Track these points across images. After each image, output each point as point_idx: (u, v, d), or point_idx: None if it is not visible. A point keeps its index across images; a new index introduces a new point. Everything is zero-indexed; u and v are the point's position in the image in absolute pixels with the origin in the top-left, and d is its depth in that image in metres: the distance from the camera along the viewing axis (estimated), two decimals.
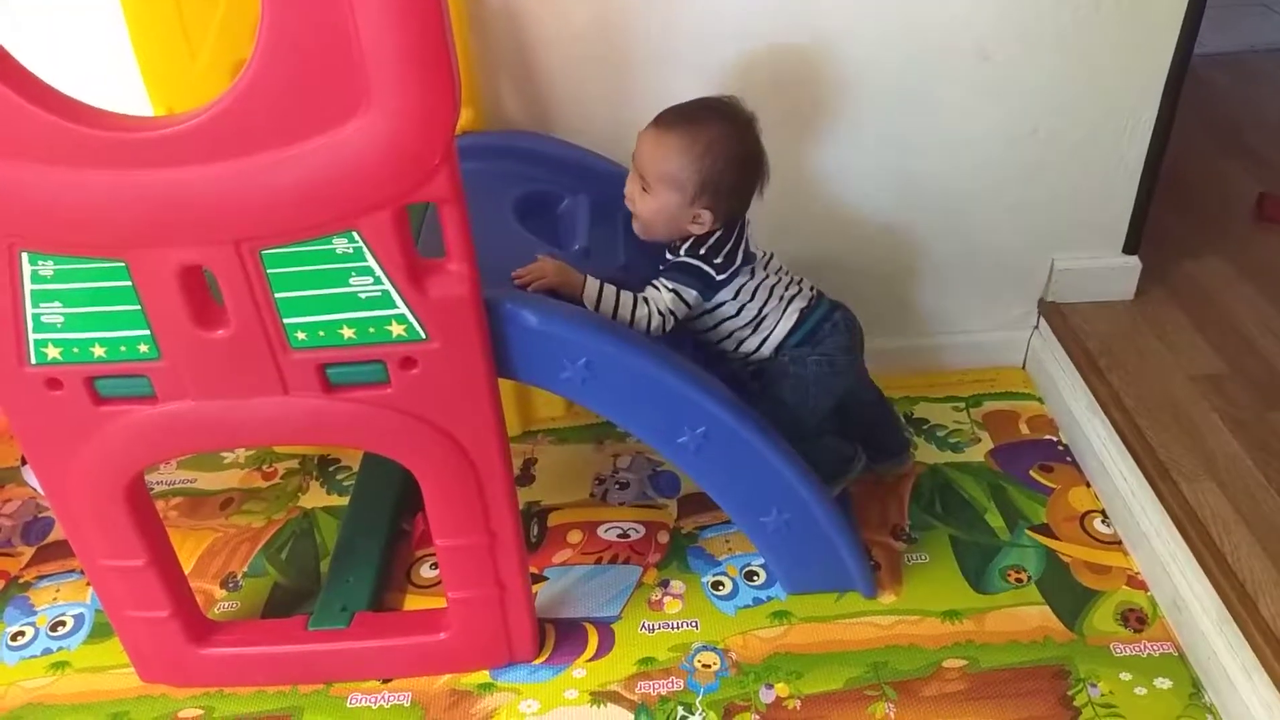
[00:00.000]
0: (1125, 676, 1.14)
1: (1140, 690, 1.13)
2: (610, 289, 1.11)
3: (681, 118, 1.13)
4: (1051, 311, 1.56)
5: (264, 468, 1.49)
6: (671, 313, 1.14)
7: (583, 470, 1.48)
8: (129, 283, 0.87)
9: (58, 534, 1.41)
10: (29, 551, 1.39)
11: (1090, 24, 1.34)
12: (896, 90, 1.37)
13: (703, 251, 1.16)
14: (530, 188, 1.26)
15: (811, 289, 1.26)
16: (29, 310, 0.89)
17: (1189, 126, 1.55)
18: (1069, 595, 1.24)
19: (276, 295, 0.88)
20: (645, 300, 1.13)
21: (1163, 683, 1.13)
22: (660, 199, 1.13)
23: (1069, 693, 1.13)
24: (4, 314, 0.89)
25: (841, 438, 1.32)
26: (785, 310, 1.22)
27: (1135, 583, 1.26)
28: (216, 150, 0.80)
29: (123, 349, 0.91)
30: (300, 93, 0.78)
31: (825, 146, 1.42)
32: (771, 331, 1.22)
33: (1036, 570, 1.27)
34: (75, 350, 0.91)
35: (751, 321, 1.21)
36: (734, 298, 1.20)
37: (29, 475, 1.44)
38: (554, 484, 1.46)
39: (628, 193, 1.17)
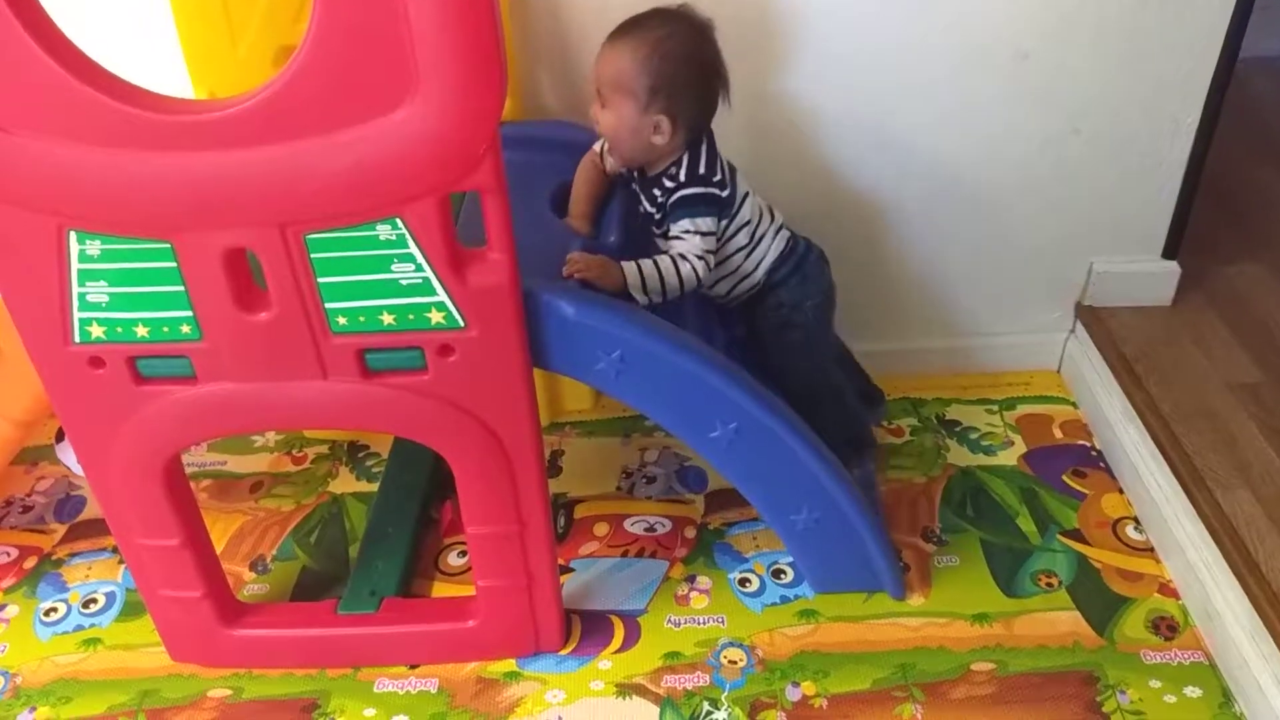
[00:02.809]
0: (1155, 684, 1.13)
1: (1170, 698, 1.12)
2: (647, 264, 1.11)
3: (629, 24, 1.11)
4: (1088, 315, 1.54)
5: (294, 452, 1.50)
6: (708, 251, 1.13)
7: (610, 463, 1.48)
8: (174, 264, 0.88)
9: (90, 512, 1.43)
10: (61, 529, 1.41)
11: (1134, 23, 1.32)
12: (934, 88, 1.36)
13: (700, 172, 1.14)
14: (567, 178, 1.26)
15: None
16: (75, 289, 0.90)
17: (1232, 131, 1.53)
18: (1100, 601, 1.23)
19: (319, 280, 0.89)
20: (680, 257, 1.12)
21: (1192, 691, 1.12)
22: (617, 110, 1.11)
23: (1098, 699, 1.12)
24: (50, 292, 0.90)
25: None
26: (776, 231, 1.23)
27: (1167, 590, 1.25)
28: (265, 134, 0.80)
29: (165, 329, 0.92)
30: (350, 79, 0.78)
31: (861, 145, 1.41)
32: (766, 254, 1.22)
33: (1068, 575, 1.26)
34: (119, 330, 0.92)
35: (749, 243, 1.21)
36: (739, 210, 1.19)
37: (64, 453, 1.46)
38: (581, 476, 1.46)
39: (591, 115, 1.15)
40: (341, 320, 0.92)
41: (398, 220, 0.86)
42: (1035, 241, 1.50)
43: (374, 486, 1.43)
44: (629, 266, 1.10)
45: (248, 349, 0.93)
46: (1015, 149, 1.41)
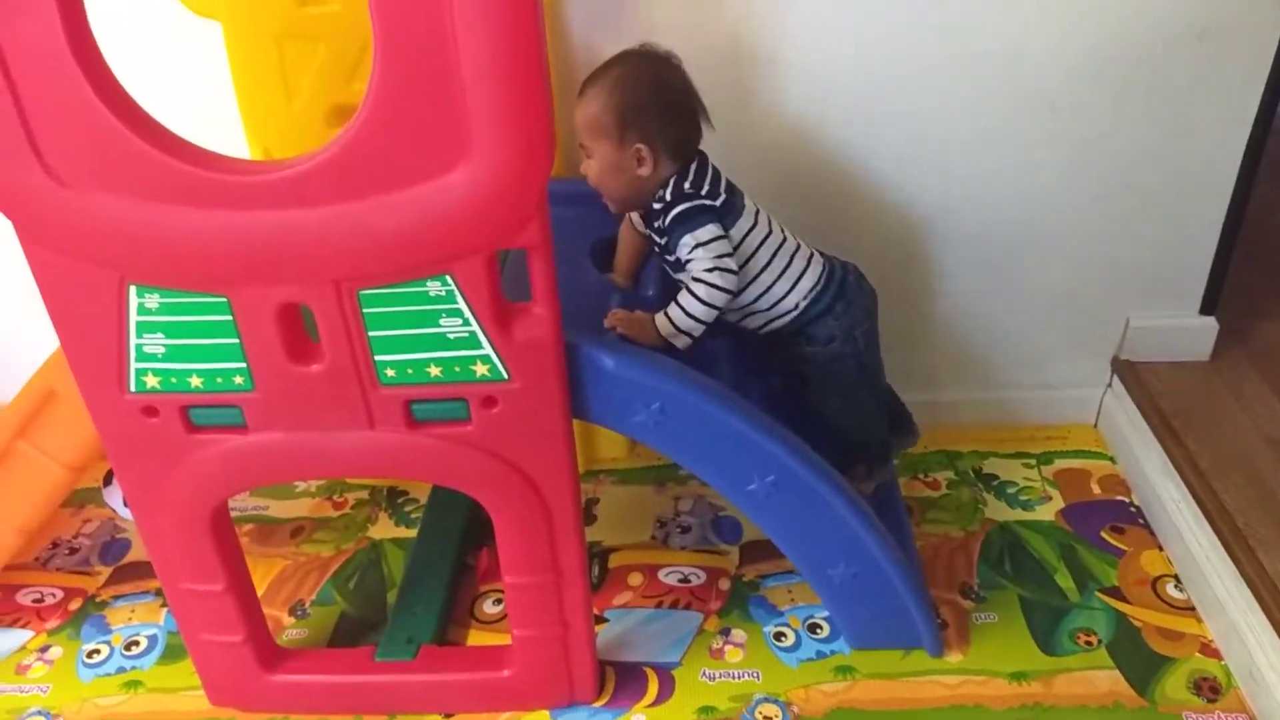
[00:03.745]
0: None
1: None
2: (671, 306, 1.12)
3: (592, 74, 1.13)
4: (1125, 370, 1.54)
5: (334, 497, 1.52)
6: (721, 257, 1.11)
7: (644, 512, 1.49)
8: (230, 317, 0.90)
9: (134, 555, 1.46)
10: (106, 571, 1.43)
11: (1172, 81, 1.34)
12: (970, 141, 1.38)
13: (686, 189, 1.13)
14: (605, 233, 1.29)
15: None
16: (132, 340, 0.93)
17: (1270, 188, 1.53)
18: (1140, 661, 1.22)
19: (370, 334, 0.91)
20: (695, 280, 1.11)
21: None
22: (598, 155, 1.12)
23: None
24: (109, 343, 0.93)
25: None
26: (808, 258, 1.21)
27: (1209, 651, 1.23)
28: (324, 195, 0.83)
29: (219, 380, 0.94)
30: (406, 143, 0.81)
31: (896, 195, 1.43)
32: (801, 274, 1.20)
33: (1107, 634, 1.25)
34: (173, 380, 0.95)
35: (778, 256, 1.18)
36: (753, 225, 1.17)
37: (110, 496, 1.49)
38: (615, 525, 1.47)
39: (581, 170, 1.16)
40: (390, 372, 0.94)
41: (448, 277, 0.89)
42: (1072, 296, 1.51)
43: (412, 532, 1.44)
44: (659, 317, 1.12)
45: (298, 399, 0.95)
46: (1051, 202, 1.42)
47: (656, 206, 1.15)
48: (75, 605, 1.38)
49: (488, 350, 0.93)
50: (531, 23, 0.77)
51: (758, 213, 1.19)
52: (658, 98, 1.12)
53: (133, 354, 0.94)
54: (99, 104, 0.80)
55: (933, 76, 1.34)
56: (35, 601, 1.39)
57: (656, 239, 1.18)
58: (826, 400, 1.25)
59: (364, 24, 1.18)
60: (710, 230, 1.12)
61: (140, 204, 0.84)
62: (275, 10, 1.17)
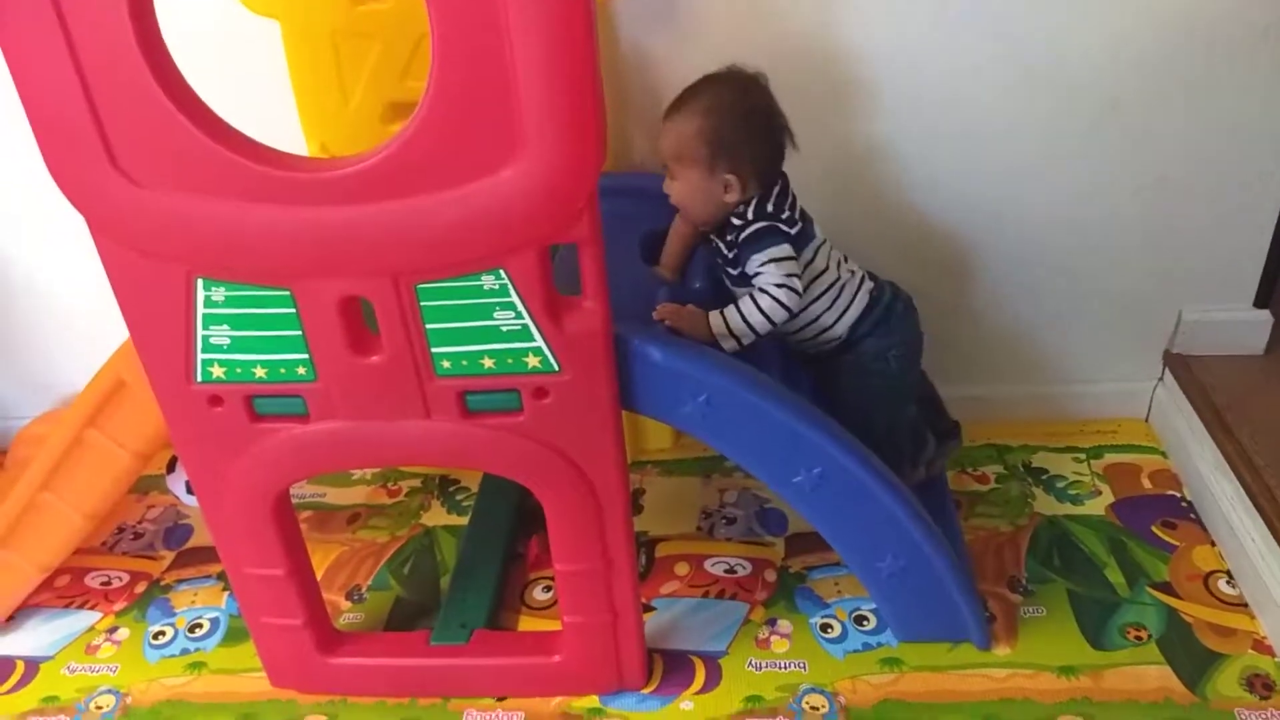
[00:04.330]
0: None
1: None
2: (730, 309, 1.13)
3: (681, 96, 1.15)
4: (1177, 364, 1.52)
5: (389, 485, 1.56)
6: (790, 276, 1.13)
7: (690, 503, 1.50)
8: (293, 310, 0.93)
9: (196, 540, 1.51)
10: (170, 555, 1.48)
11: (1222, 75, 1.32)
12: (1023, 134, 1.37)
13: (768, 210, 1.15)
14: (655, 226, 1.30)
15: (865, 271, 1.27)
16: (199, 332, 0.96)
17: None
18: (1191, 657, 1.21)
19: (427, 326, 0.94)
20: (760, 290, 1.13)
21: None
22: (685, 179, 1.15)
23: None
24: (177, 335, 0.96)
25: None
26: (859, 285, 1.23)
27: (1261, 647, 1.21)
28: (384, 191, 0.85)
29: (282, 370, 0.98)
30: (463, 139, 0.83)
31: (948, 190, 1.42)
32: (849, 306, 1.22)
33: (1157, 629, 1.24)
34: (238, 370, 0.98)
35: (829, 291, 1.21)
36: (814, 258, 1.19)
37: (174, 483, 1.54)
38: (661, 515, 1.48)
39: (665, 189, 1.18)
40: (446, 364, 0.96)
41: (501, 271, 0.91)
42: (1123, 289, 1.49)
43: (464, 520, 1.47)
44: (714, 315, 1.14)
45: (358, 389, 0.98)
46: (1104, 196, 1.41)
47: (736, 223, 1.17)
48: (141, 588, 1.43)
49: (539, 342, 0.96)
50: (584, 22, 0.79)
51: (821, 245, 1.21)
52: (748, 127, 1.15)
53: (199, 345, 0.97)
54: (169, 104, 0.83)
55: (988, 75, 1.33)
56: (103, 584, 1.44)
57: (725, 250, 1.20)
58: (846, 404, 1.25)
59: (417, 22, 1.21)
60: (785, 249, 1.14)
61: (209, 201, 0.87)
62: (331, 9, 1.20)
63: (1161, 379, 1.56)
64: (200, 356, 0.98)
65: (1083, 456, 1.53)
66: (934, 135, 1.38)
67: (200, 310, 0.95)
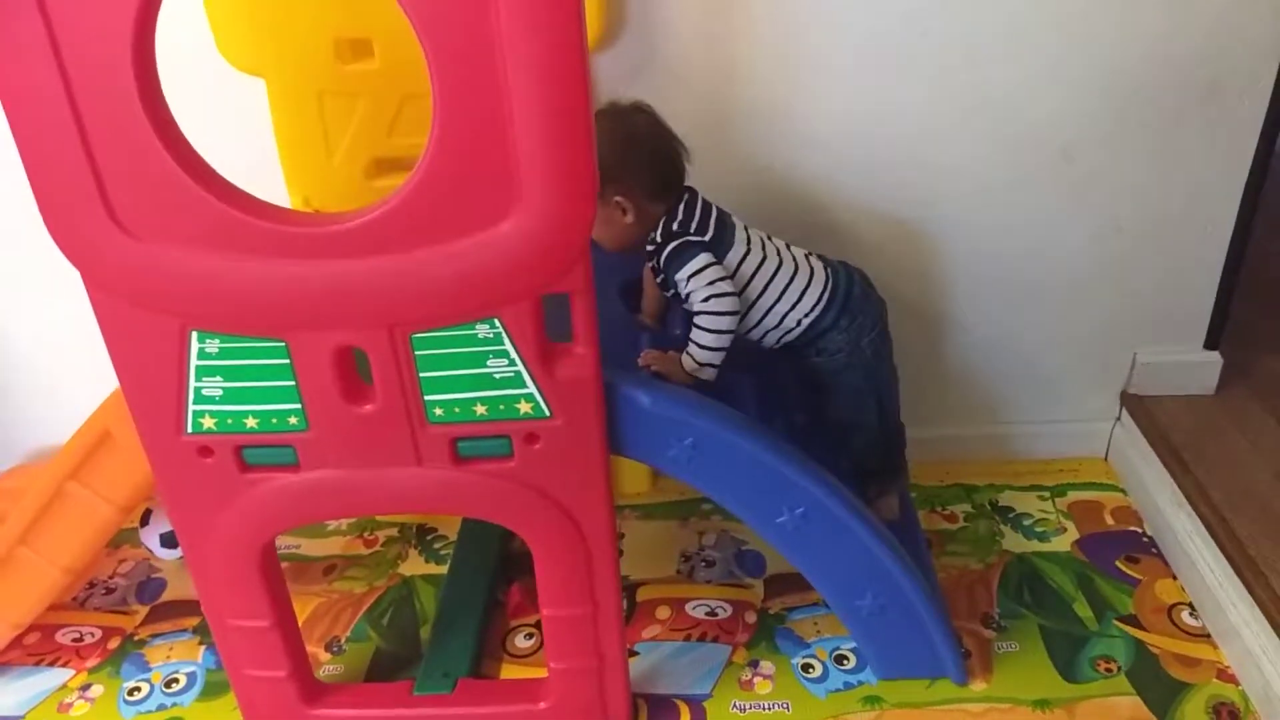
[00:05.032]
0: None
1: None
2: (689, 346, 1.17)
3: None
4: (1134, 404, 1.58)
5: (365, 535, 1.55)
6: (716, 281, 1.15)
7: (669, 546, 1.52)
8: (287, 360, 0.95)
9: (171, 594, 1.49)
10: (143, 610, 1.46)
11: (1173, 126, 1.40)
12: (985, 186, 1.44)
13: (674, 229, 1.18)
14: (630, 274, 1.34)
15: (813, 255, 1.28)
16: (191, 383, 0.97)
17: (1270, 227, 1.59)
18: (1159, 687, 1.24)
19: (421, 375, 0.95)
20: (698, 313, 1.15)
21: None
22: None
23: None
24: (169, 386, 0.97)
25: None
26: (810, 268, 1.24)
27: (1225, 676, 1.26)
28: (384, 245, 0.88)
29: (274, 420, 0.98)
30: (462, 194, 0.86)
31: (914, 240, 1.48)
32: (805, 288, 1.23)
33: (1126, 661, 1.28)
34: (229, 421, 0.99)
35: (776, 276, 1.22)
36: (747, 252, 1.20)
37: (147, 536, 1.52)
38: (641, 559, 1.50)
39: None
40: (439, 411, 0.98)
41: (496, 320, 0.93)
42: (1081, 332, 1.56)
43: (442, 569, 1.47)
44: (684, 356, 1.17)
45: (349, 438, 0.99)
46: (1060, 242, 1.48)
47: (650, 249, 1.20)
48: (114, 644, 1.40)
49: (531, 389, 0.98)
50: (581, 80, 0.82)
51: (750, 239, 1.22)
52: (627, 152, 1.17)
53: (191, 397, 0.98)
54: (169, 159, 0.85)
55: (945, 124, 1.39)
56: (74, 641, 1.41)
57: (656, 277, 1.24)
58: (836, 410, 1.29)
59: (403, 80, 1.25)
60: (701, 259, 1.16)
61: (207, 255, 0.89)
62: (317, 67, 1.23)
63: (1119, 418, 1.62)
64: (192, 408, 0.98)
65: (1047, 494, 1.58)
66: (894, 187, 1.44)
67: (194, 362, 0.96)
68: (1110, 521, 1.52)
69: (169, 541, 1.51)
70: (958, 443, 1.63)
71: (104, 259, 0.90)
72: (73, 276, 1.46)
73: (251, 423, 0.99)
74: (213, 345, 0.95)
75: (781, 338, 1.26)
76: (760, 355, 1.29)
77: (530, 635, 1.36)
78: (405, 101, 1.24)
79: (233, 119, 1.32)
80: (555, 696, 1.18)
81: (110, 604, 1.48)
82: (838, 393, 1.29)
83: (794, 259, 1.25)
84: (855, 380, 1.28)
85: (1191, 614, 1.35)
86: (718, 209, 1.22)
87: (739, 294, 1.18)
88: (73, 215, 0.88)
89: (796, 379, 1.33)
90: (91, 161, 0.85)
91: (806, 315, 1.23)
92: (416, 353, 0.94)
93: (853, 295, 1.26)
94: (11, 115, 0.83)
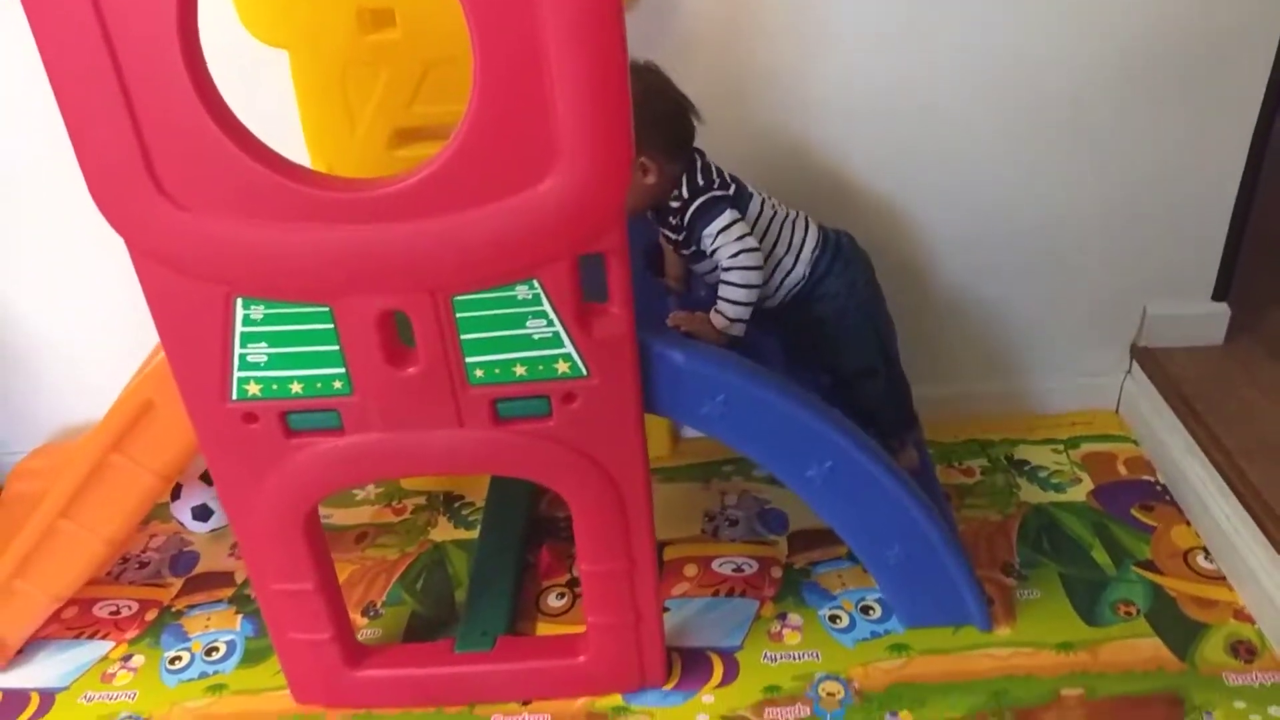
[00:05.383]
0: (1240, 705, 1.18)
1: (1255, 718, 1.16)
2: (718, 303, 1.19)
3: None
4: (1144, 356, 1.61)
5: (394, 504, 1.58)
6: (743, 237, 1.18)
7: (693, 508, 1.55)
8: (331, 325, 0.97)
9: (204, 566, 1.51)
10: (178, 582, 1.49)
11: (1182, 82, 1.42)
12: (996, 145, 1.46)
13: (700, 184, 1.20)
14: (654, 239, 1.35)
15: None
16: (236, 350, 0.99)
17: (1274, 179, 1.61)
18: (1178, 628, 1.28)
19: (462, 337, 0.98)
20: (725, 269, 1.18)
21: (1277, 711, 1.17)
22: None
23: None
24: (213, 354, 0.99)
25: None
26: (805, 223, 1.28)
27: (1242, 616, 1.29)
28: (425, 208, 0.89)
29: (319, 385, 1.01)
30: (502, 155, 0.88)
31: (921, 199, 1.50)
32: (803, 241, 1.27)
33: (1145, 604, 1.32)
34: (274, 387, 1.01)
35: (782, 233, 1.26)
36: (760, 211, 1.24)
37: (178, 510, 1.54)
38: (666, 520, 1.52)
39: None
40: (479, 373, 1.00)
41: (535, 281, 0.95)
42: (1090, 285, 1.58)
43: (472, 534, 1.50)
44: (713, 315, 1.19)
45: (393, 401, 1.01)
46: (1071, 199, 1.50)
47: (674, 205, 1.22)
48: (151, 615, 1.43)
49: (569, 349, 1.00)
50: (618, 40, 0.84)
51: (764, 201, 1.26)
52: (650, 112, 1.15)
53: (236, 363, 0.99)
54: (215, 127, 0.86)
55: (955, 85, 1.41)
56: (112, 614, 1.44)
57: (673, 235, 1.25)
58: (845, 358, 1.31)
59: (425, 49, 1.26)
60: (728, 216, 1.19)
61: (252, 222, 0.91)
62: (340, 39, 1.23)
63: (1130, 371, 1.65)
64: (237, 374, 1.00)
65: (1061, 448, 1.61)
66: (907, 147, 1.46)
67: (238, 329, 0.97)
68: (1124, 471, 1.56)
69: (200, 515, 1.53)
70: (972, 400, 1.66)
71: (150, 228, 0.91)
72: (92, 258, 1.49)
73: (296, 388, 1.01)
74: (257, 312, 0.96)
75: (791, 290, 1.28)
76: (780, 318, 1.32)
77: (562, 595, 1.39)
78: (427, 70, 1.25)
79: (255, 92, 1.33)
80: (594, 650, 1.21)
81: (145, 577, 1.50)
82: (843, 339, 1.31)
83: (788, 212, 1.29)
84: (858, 323, 1.31)
85: (1206, 558, 1.38)
86: (724, 173, 1.25)
87: (761, 249, 1.20)
88: (119, 185, 0.89)
89: (812, 341, 1.36)
90: (138, 132, 0.86)
91: (809, 264, 1.27)
92: (458, 315, 0.96)
93: (842, 246, 1.30)
94: (58, 87, 0.85)
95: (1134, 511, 1.47)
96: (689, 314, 1.19)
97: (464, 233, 0.91)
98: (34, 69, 0.84)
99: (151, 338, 1.40)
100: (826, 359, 1.34)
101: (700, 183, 1.20)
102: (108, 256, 1.47)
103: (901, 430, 1.40)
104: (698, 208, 1.19)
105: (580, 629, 1.23)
